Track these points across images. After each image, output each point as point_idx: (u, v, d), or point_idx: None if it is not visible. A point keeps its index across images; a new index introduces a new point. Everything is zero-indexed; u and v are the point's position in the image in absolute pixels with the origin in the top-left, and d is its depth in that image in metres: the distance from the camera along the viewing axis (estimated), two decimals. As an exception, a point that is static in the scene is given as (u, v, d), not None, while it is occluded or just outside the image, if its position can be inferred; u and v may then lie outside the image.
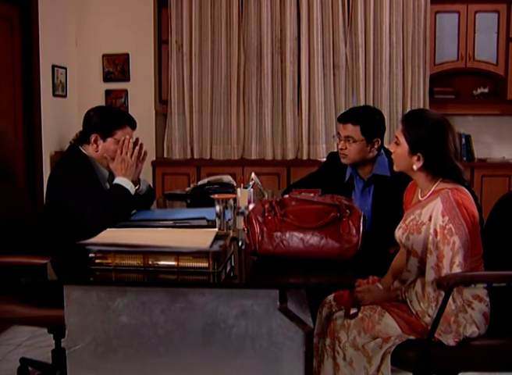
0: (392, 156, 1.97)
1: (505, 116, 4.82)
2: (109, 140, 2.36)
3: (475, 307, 1.82)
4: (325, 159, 2.99)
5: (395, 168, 1.98)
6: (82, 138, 2.41)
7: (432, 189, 1.88)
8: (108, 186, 2.42)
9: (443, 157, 1.85)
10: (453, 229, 1.75)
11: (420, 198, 1.93)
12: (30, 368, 2.71)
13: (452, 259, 1.75)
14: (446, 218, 1.75)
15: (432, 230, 1.78)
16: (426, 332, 1.78)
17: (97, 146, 2.35)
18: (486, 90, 4.77)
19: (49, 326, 2.33)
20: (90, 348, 1.57)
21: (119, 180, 2.33)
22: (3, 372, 2.78)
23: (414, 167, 1.87)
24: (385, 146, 2.60)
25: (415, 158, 1.86)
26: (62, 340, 2.36)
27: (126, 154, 2.35)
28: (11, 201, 2.37)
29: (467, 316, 1.80)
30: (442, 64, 4.70)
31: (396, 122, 4.62)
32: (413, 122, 1.91)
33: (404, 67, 4.61)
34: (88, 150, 2.38)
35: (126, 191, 2.31)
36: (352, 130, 2.50)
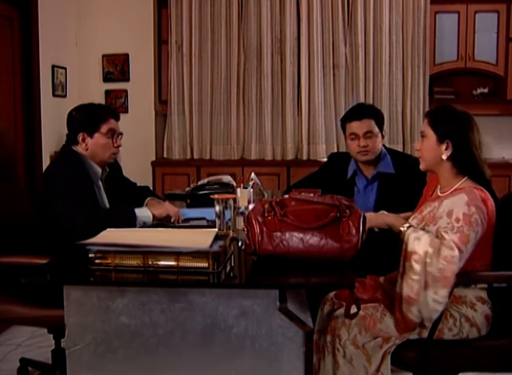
0: (419, 154, 1.97)
1: (505, 116, 4.82)
2: (96, 135, 2.37)
3: (478, 309, 1.82)
4: (325, 159, 3.00)
5: (422, 165, 1.97)
6: (70, 140, 2.41)
7: (456, 186, 1.88)
8: (101, 184, 2.43)
9: (470, 147, 1.86)
10: (479, 220, 1.75)
11: (439, 194, 1.93)
12: (29, 368, 2.71)
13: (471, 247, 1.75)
14: (473, 208, 1.75)
15: (453, 219, 1.74)
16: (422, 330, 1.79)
17: (86, 144, 2.37)
18: (486, 90, 4.77)
19: (49, 326, 2.33)
20: (90, 348, 1.57)
21: (142, 210, 2.32)
22: (3, 372, 2.78)
23: (444, 156, 1.87)
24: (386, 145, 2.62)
25: (444, 146, 1.87)
26: (62, 340, 2.36)
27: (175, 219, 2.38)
28: (11, 201, 2.37)
29: (464, 312, 1.81)
30: (442, 64, 4.70)
31: (396, 122, 4.63)
32: (439, 113, 1.93)
33: (404, 67, 4.62)
34: (79, 150, 2.39)
35: (134, 220, 2.28)
36: (370, 124, 2.56)
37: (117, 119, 2.46)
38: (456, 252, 1.69)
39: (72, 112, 2.42)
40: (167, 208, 2.37)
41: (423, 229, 1.85)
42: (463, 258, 1.73)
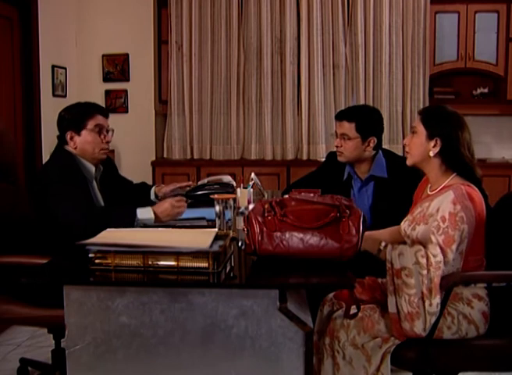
0: (406, 149, 2.01)
1: (505, 116, 4.82)
2: (83, 132, 2.38)
3: (475, 306, 1.83)
4: (324, 159, 2.99)
5: (409, 160, 2.00)
6: (61, 140, 2.42)
7: (444, 183, 1.90)
8: (95, 183, 2.43)
9: (459, 146, 1.88)
10: (465, 218, 1.77)
11: (429, 193, 1.95)
12: (29, 368, 2.71)
13: (458, 246, 1.77)
14: (458, 206, 1.77)
15: (438, 217, 1.77)
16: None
17: (75, 142, 2.38)
18: (486, 90, 4.78)
19: (49, 326, 2.33)
20: (90, 349, 1.57)
21: (144, 211, 2.26)
22: (3, 372, 2.78)
23: (431, 153, 1.90)
24: (385, 147, 2.61)
25: (432, 143, 1.90)
26: (62, 340, 2.36)
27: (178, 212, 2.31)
28: (10, 202, 2.37)
29: (460, 309, 1.81)
30: (442, 64, 4.70)
31: (396, 122, 4.64)
32: (432, 111, 1.98)
33: (404, 67, 4.62)
34: (70, 149, 2.40)
35: (133, 219, 2.24)
36: (347, 127, 2.52)
37: (105, 115, 2.46)
38: (440, 257, 1.73)
39: (61, 112, 2.44)
40: (171, 213, 2.30)
41: (414, 229, 1.87)
42: (449, 260, 1.75)
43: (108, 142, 2.43)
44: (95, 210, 2.28)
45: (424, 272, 1.72)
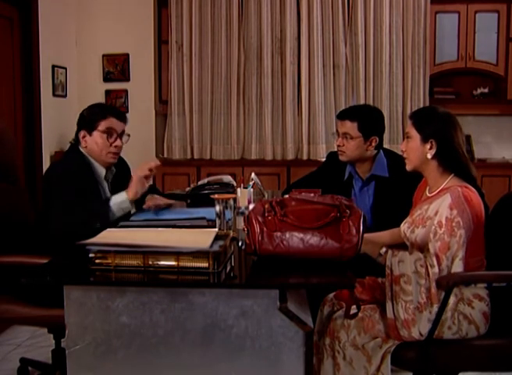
0: (404, 155, 2.01)
1: (505, 116, 4.82)
2: (95, 133, 2.38)
3: (475, 306, 1.83)
4: (325, 159, 2.99)
5: (408, 166, 2.01)
6: (77, 139, 2.43)
7: (442, 186, 1.91)
8: (106, 184, 2.43)
9: (453, 144, 1.89)
10: (461, 222, 1.77)
11: (428, 195, 1.96)
12: (30, 368, 2.72)
13: (456, 253, 1.77)
14: (455, 211, 1.77)
15: (436, 222, 1.78)
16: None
17: (85, 142, 2.38)
18: (486, 90, 4.78)
19: (49, 326, 2.33)
20: (90, 348, 1.57)
21: (117, 196, 2.30)
22: (3, 372, 2.78)
23: (429, 156, 1.91)
24: (385, 146, 2.61)
25: (428, 146, 1.91)
26: (62, 340, 2.36)
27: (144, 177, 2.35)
28: (11, 201, 2.37)
29: (461, 309, 1.81)
30: (442, 64, 4.70)
31: (397, 122, 4.64)
32: (422, 114, 2.00)
33: (404, 67, 4.62)
34: (82, 148, 2.40)
35: (107, 209, 2.26)
36: (349, 126, 2.52)
37: (120, 118, 2.44)
38: (436, 269, 1.74)
39: (83, 111, 2.45)
40: (136, 183, 2.31)
41: (413, 232, 1.87)
42: (443, 267, 1.75)
43: (116, 146, 2.41)
44: (74, 212, 2.20)
45: (423, 281, 1.74)
